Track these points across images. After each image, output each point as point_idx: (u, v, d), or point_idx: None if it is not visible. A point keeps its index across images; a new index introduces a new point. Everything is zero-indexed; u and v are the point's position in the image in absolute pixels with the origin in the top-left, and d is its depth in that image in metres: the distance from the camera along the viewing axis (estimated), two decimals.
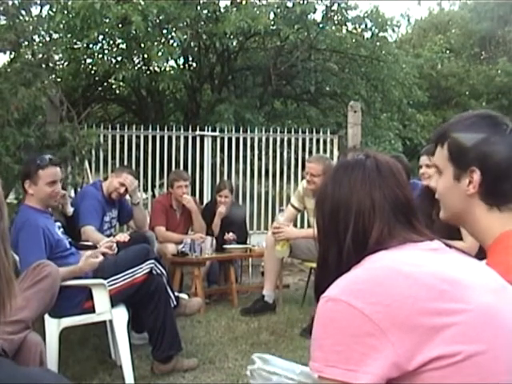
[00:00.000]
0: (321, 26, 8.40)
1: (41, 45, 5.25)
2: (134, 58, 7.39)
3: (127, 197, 4.41)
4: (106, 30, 6.48)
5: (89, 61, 7.66)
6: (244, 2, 7.82)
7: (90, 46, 7.15)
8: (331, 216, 1.10)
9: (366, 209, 1.06)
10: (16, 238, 2.94)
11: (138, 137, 6.44)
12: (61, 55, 6.95)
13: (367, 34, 8.95)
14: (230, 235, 5.25)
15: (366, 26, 8.73)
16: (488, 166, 1.17)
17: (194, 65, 9.06)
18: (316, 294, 1.06)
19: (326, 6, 8.31)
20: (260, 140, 6.92)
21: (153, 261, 3.29)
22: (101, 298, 3.01)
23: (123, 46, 7.19)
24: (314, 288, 1.14)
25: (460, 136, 1.20)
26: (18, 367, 0.77)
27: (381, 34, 8.89)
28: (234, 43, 8.49)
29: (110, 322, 3.16)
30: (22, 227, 3.00)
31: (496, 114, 1.24)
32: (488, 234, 1.21)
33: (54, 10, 6.47)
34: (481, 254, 1.24)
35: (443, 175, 1.24)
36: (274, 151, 6.76)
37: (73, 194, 4.98)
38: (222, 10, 7.65)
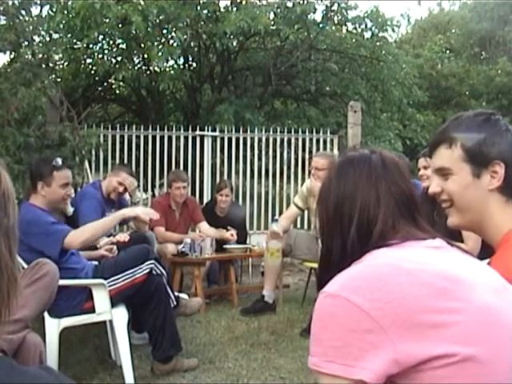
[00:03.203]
0: (321, 25, 8.41)
1: (41, 45, 5.24)
2: (134, 58, 7.39)
3: (127, 196, 4.41)
4: (106, 29, 6.48)
5: (89, 61, 7.67)
6: (244, 2, 7.83)
7: (90, 46, 7.16)
8: (336, 209, 1.09)
9: (370, 201, 1.06)
10: (27, 233, 2.88)
11: (138, 137, 6.43)
12: (61, 55, 6.95)
13: (367, 34, 8.96)
14: (231, 232, 5.26)
15: (366, 25, 8.75)
16: (510, 159, 1.20)
17: (194, 65, 9.07)
18: (319, 289, 1.05)
19: (326, 6, 8.32)
20: (260, 140, 6.92)
21: (153, 261, 3.28)
22: (101, 298, 3.01)
23: (123, 46, 7.19)
24: (317, 283, 1.12)
25: (472, 136, 1.22)
26: (17, 365, 0.76)
27: (381, 34, 8.90)
28: (234, 43, 8.50)
29: (110, 322, 3.16)
30: (31, 222, 2.98)
31: (493, 112, 1.27)
32: (499, 228, 1.22)
33: (54, 9, 6.48)
34: (482, 256, 1.24)
35: (456, 176, 1.24)
36: (274, 151, 6.75)
37: (73, 194, 4.97)
38: (222, 10, 7.67)
